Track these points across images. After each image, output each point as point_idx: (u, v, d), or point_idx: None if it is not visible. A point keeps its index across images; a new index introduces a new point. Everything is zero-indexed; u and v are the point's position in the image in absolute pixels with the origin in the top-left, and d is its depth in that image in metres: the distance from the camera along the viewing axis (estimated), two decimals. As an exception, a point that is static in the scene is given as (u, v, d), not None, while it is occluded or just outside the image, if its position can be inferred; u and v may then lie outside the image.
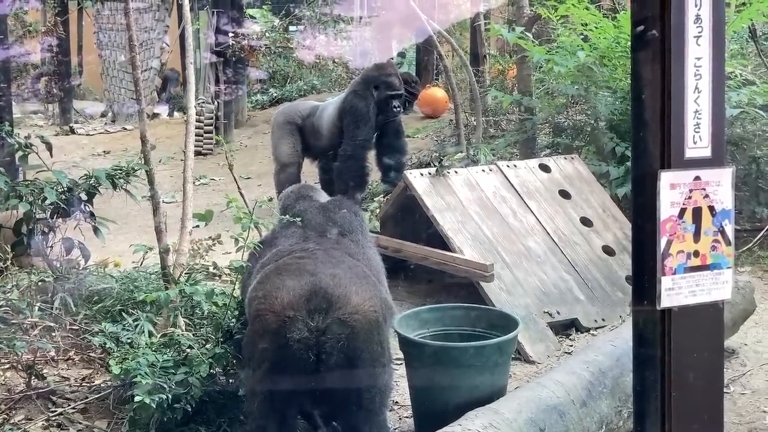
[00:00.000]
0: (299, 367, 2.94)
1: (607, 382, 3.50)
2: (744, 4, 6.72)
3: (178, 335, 3.64)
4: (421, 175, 5.56)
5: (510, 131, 9.01)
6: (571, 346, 4.83)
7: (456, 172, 5.65)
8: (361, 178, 7.37)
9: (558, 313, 5.02)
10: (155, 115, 13.42)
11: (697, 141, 2.11)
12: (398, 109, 7.42)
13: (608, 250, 5.55)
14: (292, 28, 14.69)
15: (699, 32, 2.08)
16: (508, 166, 5.89)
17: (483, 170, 5.80)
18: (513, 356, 4.07)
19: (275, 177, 8.15)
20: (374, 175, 8.14)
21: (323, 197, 3.93)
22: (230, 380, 3.66)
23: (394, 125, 7.64)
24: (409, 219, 5.72)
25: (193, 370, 3.41)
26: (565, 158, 6.22)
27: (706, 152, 2.12)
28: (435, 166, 5.67)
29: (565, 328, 5.03)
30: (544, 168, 5.98)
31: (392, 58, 16.37)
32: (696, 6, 2.07)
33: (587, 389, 3.43)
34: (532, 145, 7.94)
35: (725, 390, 4.09)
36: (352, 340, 2.96)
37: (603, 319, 5.09)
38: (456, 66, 11.05)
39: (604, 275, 5.36)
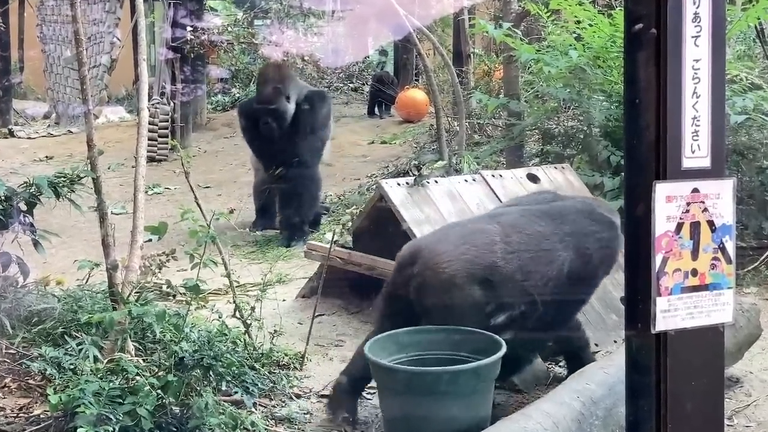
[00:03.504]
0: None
1: (600, 413, 3.52)
2: (750, 1, 6.78)
3: (126, 361, 3.62)
4: (398, 185, 5.56)
5: (496, 137, 9.08)
6: (561, 373, 4.85)
7: (436, 182, 5.66)
8: (298, 209, 7.55)
9: (547, 337, 5.04)
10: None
11: (696, 150, 2.12)
12: (266, 125, 7.34)
13: (602, 269, 5.58)
14: (257, 22, 14.66)
15: (697, 32, 2.10)
16: (493, 176, 5.91)
17: (466, 180, 5.82)
18: (498, 384, 4.08)
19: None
20: (350, 184, 8.16)
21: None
22: (184, 410, 3.64)
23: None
24: (384, 233, 5.72)
25: (141, 400, 3.38)
26: (556, 168, 6.25)
27: (705, 162, 2.14)
28: (413, 175, 5.68)
29: (555, 353, 5.05)
30: (533, 178, 6.01)
31: (368, 57, 16.43)
32: (694, 4, 2.09)
33: (577, 421, 3.45)
34: (519, 153, 7.99)
35: (729, 422, 4.12)
36: (425, 290, 4.10)
37: (596, 344, 5.10)
38: (438, 66, 11.11)
39: (598, 296, 5.38)
